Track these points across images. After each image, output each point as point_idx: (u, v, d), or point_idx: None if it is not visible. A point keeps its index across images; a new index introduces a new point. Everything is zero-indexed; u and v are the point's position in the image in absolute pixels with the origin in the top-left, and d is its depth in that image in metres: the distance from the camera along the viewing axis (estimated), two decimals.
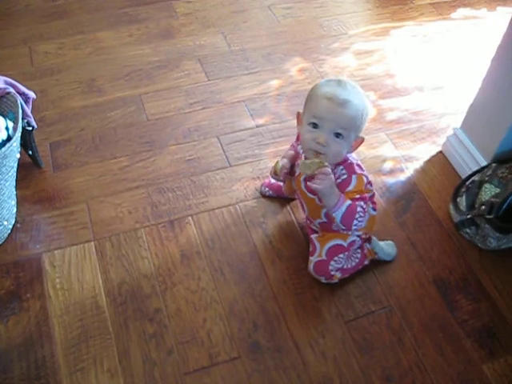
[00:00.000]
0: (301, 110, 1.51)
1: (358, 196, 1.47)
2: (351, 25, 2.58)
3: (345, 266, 1.59)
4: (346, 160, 1.48)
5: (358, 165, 1.50)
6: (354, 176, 1.47)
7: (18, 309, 1.54)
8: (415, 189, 1.88)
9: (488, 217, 1.63)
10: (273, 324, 1.54)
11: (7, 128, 1.58)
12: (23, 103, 1.68)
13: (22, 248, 1.67)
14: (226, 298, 1.59)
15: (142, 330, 1.51)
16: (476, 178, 1.75)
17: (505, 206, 1.61)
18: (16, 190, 1.70)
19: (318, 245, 1.59)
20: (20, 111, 1.62)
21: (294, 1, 2.70)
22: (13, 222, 1.71)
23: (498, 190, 1.65)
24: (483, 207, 1.65)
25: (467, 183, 1.77)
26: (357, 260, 1.61)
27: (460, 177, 1.90)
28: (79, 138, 2.00)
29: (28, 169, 1.86)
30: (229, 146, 1.99)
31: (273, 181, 1.81)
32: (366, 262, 1.64)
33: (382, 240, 1.68)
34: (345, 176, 1.47)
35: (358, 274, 1.63)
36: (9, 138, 1.57)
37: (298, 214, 1.79)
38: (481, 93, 1.81)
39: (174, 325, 1.53)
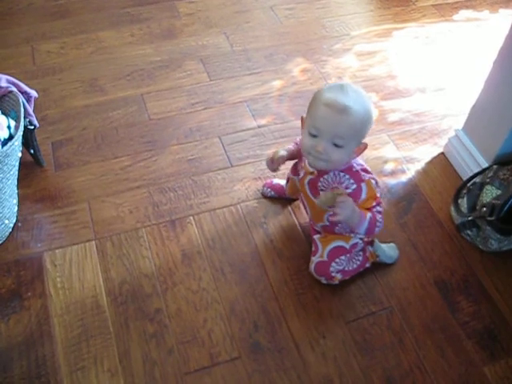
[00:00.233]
0: (304, 114, 1.50)
1: (374, 203, 1.46)
2: (353, 26, 2.58)
3: (346, 268, 1.58)
4: (350, 168, 1.46)
5: (364, 169, 1.48)
6: (362, 184, 1.45)
7: (19, 307, 1.54)
8: (416, 190, 1.88)
9: (489, 219, 1.63)
10: (273, 324, 1.54)
11: (9, 127, 1.58)
12: (25, 102, 1.68)
13: (23, 247, 1.67)
14: (226, 298, 1.59)
15: (142, 330, 1.51)
16: (477, 179, 1.75)
17: (506, 208, 1.61)
18: (17, 188, 1.71)
19: (320, 245, 1.59)
20: (22, 110, 1.62)
21: (297, 1, 2.70)
22: (14, 220, 1.71)
23: (499, 192, 1.65)
24: (484, 209, 1.64)
25: (468, 185, 1.77)
26: (358, 262, 1.61)
27: (461, 178, 1.90)
28: (81, 138, 2.00)
29: (30, 168, 1.86)
30: (230, 146, 1.99)
31: (275, 181, 1.82)
32: (368, 265, 1.64)
33: (384, 242, 1.67)
34: (354, 186, 1.45)
35: (358, 274, 1.63)
36: (11, 137, 1.57)
37: (299, 214, 1.79)
38: (483, 94, 1.81)
39: (175, 325, 1.53)
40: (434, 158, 2.00)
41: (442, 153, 2.01)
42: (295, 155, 1.61)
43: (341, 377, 1.45)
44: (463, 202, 1.75)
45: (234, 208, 1.80)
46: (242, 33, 2.49)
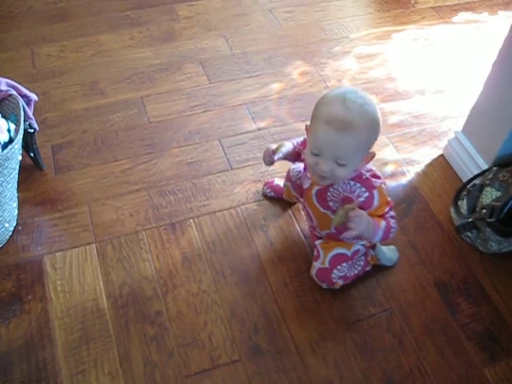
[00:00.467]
0: (304, 118, 1.48)
1: (386, 209, 1.44)
2: (353, 28, 2.58)
3: (348, 274, 1.58)
4: (360, 175, 1.42)
5: (373, 175, 1.45)
6: (374, 191, 1.42)
7: (19, 311, 1.54)
8: (416, 192, 1.88)
9: (489, 220, 1.63)
10: (274, 327, 1.54)
11: (9, 130, 1.58)
12: (25, 105, 1.68)
13: (23, 250, 1.67)
14: (227, 300, 1.59)
15: (142, 333, 1.51)
16: (477, 181, 1.76)
17: (506, 210, 1.62)
18: (17, 192, 1.71)
19: (321, 252, 1.57)
20: (22, 113, 1.62)
21: (296, 4, 2.70)
22: (14, 224, 1.71)
23: (499, 194, 1.66)
24: (484, 211, 1.65)
25: (468, 187, 1.77)
26: (359, 268, 1.61)
27: (461, 180, 1.90)
28: (81, 141, 2.00)
29: (30, 171, 1.87)
30: (230, 149, 2.00)
31: (276, 182, 1.82)
32: (368, 268, 1.63)
33: (384, 244, 1.67)
34: (366, 194, 1.42)
35: (358, 274, 1.62)
36: (11, 140, 1.57)
37: (299, 217, 1.79)
38: (482, 96, 1.81)
39: (175, 327, 1.53)
40: (434, 160, 2.00)
41: (442, 155, 2.02)
42: (291, 157, 1.59)
43: (341, 379, 1.45)
44: (463, 204, 1.75)
45: (234, 211, 1.80)
46: (242, 36, 2.50)
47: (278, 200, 1.82)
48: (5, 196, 1.59)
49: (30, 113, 1.72)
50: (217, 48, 2.43)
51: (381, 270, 1.67)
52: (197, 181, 1.89)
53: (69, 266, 1.64)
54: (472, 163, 1.87)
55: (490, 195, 1.67)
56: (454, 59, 2.45)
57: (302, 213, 1.75)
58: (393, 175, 1.94)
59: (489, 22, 2.67)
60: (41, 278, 1.61)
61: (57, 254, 1.67)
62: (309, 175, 1.50)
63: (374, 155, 1.40)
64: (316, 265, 1.58)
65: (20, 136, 1.59)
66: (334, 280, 1.56)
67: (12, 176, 1.60)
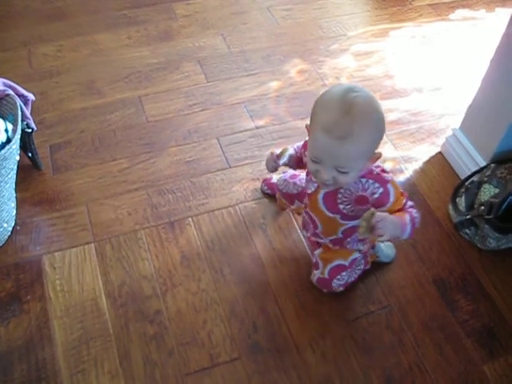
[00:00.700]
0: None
1: (404, 200, 1.37)
2: (350, 26, 2.58)
3: (348, 280, 1.58)
4: (371, 171, 1.36)
5: (383, 170, 1.39)
6: (389, 185, 1.35)
7: (19, 311, 1.54)
8: (414, 189, 1.88)
9: (487, 217, 1.63)
10: (273, 325, 1.54)
11: (7, 130, 1.58)
12: (23, 105, 1.68)
13: (22, 250, 1.67)
14: (226, 299, 1.59)
15: (142, 332, 1.52)
16: (475, 178, 1.76)
17: (504, 207, 1.62)
18: (16, 192, 1.71)
19: (321, 263, 1.56)
20: (19, 113, 1.62)
21: (294, 2, 2.70)
22: (13, 224, 1.71)
23: (497, 191, 1.66)
24: (482, 207, 1.65)
25: (466, 184, 1.77)
26: (359, 272, 1.60)
27: (459, 177, 1.91)
28: (79, 140, 2.00)
29: (28, 171, 1.86)
30: (228, 148, 2.00)
31: (274, 179, 1.81)
32: (368, 267, 1.63)
33: (381, 241, 1.67)
34: (381, 190, 1.34)
35: (358, 276, 1.62)
36: (8, 141, 1.57)
37: (297, 215, 1.79)
38: (480, 93, 1.81)
39: (175, 326, 1.53)
40: (432, 157, 2.01)
41: (440, 152, 2.02)
42: (293, 163, 1.55)
43: (341, 377, 1.46)
44: (461, 201, 1.76)
45: (233, 209, 1.80)
46: (239, 34, 2.49)
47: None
48: (3, 196, 1.59)
49: (28, 113, 1.72)
50: (214, 46, 2.43)
51: (379, 267, 1.67)
52: (195, 179, 1.89)
53: (68, 266, 1.64)
54: (470, 160, 1.87)
55: (488, 192, 1.68)
56: (451, 56, 2.45)
57: (302, 222, 1.66)
58: (391, 172, 1.93)
59: (486, 19, 2.67)
60: (40, 278, 1.61)
61: (56, 253, 1.67)
62: (314, 179, 1.40)
63: (379, 156, 1.33)
64: (316, 273, 1.58)
65: (18, 136, 1.59)
66: (335, 288, 1.56)
67: (10, 176, 1.60)
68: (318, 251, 1.59)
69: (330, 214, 1.44)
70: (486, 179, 1.71)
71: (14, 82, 1.71)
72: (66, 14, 2.56)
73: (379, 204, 1.35)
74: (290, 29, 2.55)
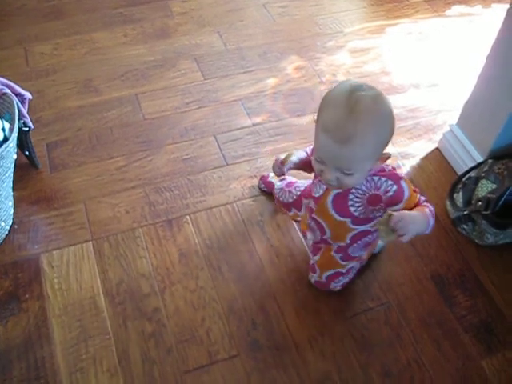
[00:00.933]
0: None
1: (418, 196, 1.33)
2: (346, 23, 2.58)
3: (345, 281, 1.58)
4: (382, 169, 1.32)
5: (393, 168, 1.35)
6: (402, 182, 1.30)
7: (17, 310, 1.54)
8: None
9: (485, 213, 1.63)
10: (272, 322, 1.54)
11: (3, 129, 1.58)
12: (19, 104, 1.68)
13: (19, 249, 1.67)
14: (224, 296, 1.59)
15: (140, 330, 1.52)
16: (472, 174, 1.76)
17: (501, 202, 1.62)
18: (13, 191, 1.70)
19: (318, 270, 1.55)
20: (16, 112, 1.62)
21: None
22: (10, 223, 1.71)
23: (494, 186, 1.66)
24: (480, 203, 1.65)
25: (464, 179, 1.78)
26: (355, 271, 1.60)
27: (456, 173, 1.91)
28: (76, 139, 2.00)
29: (25, 170, 1.86)
30: (226, 145, 2.00)
31: (271, 177, 1.81)
32: (364, 262, 1.63)
33: None
34: (394, 187, 1.29)
35: (356, 274, 1.62)
36: (5, 139, 1.57)
37: None
38: (476, 89, 1.81)
39: (173, 324, 1.53)
40: (429, 153, 2.01)
41: (437, 148, 2.02)
42: (303, 166, 1.49)
43: (339, 373, 1.46)
44: (459, 197, 1.76)
45: (231, 206, 1.80)
46: (236, 31, 2.49)
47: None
48: (0, 195, 1.59)
49: (25, 111, 1.72)
50: (211, 44, 2.42)
51: (377, 263, 1.67)
52: (193, 177, 1.89)
53: (66, 264, 1.64)
54: (467, 156, 1.87)
55: (485, 188, 1.68)
56: (448, 52, 2.45)
57: (301, 227, 1.65)
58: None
59: (482, 14, 2.67)
60: (38, 277, 1.61)
61: (53, 252, 1.67)
62: (321, 180, 1.37)
63: (388, 156, 1.27)
64: (314, 276, 1.58)
65: (15, 135, 1.59)
66: (332, 288, 1.57)
67: (7, 175, 1.60)
68: (316, 257, 1.57)
69: (340, 218, 1.41)
70: (483, 175, 1.71)
71: (10, 81, 1.70)
72: (63, 12, 2.55)
73: (393, 202, 1.31)
74: (287, 26, 2.54)
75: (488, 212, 1.62)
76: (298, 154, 1.47)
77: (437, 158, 1.99)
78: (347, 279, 1.58)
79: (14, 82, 1.72)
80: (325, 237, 1.49)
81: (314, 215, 1.47)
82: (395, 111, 1.23)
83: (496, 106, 1.72)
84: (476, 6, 2.71)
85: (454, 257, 1.71)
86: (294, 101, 2.17)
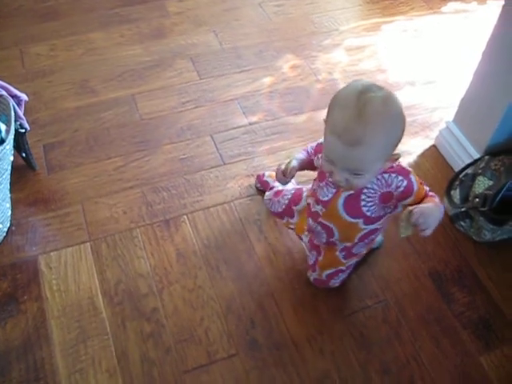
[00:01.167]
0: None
1: (425, 187, 1.34)
2: (342, 21, 2.58)
3: (345, 276, 1.59)
4: (391, 166, 1.30)
5: (400, 163, 1.34)
6: (411, 176, 1.31)
7: (16, 311, 1.54)
8: None
9: (482, 209, 1.63)
10: (270, 321, 1.55)
11: (0, 131, 1.58)
12: (16, 106, 1.68)
13: (18, 250, 1.67)
14: (223, 295, 1.59)
15: (139, 330, 1.52)
16: (469, 170, 1.76)
17: (498, 198, 1.62)
18: (10, 192, 1.70)
19: (318, 269, 1.56)
20: (12, 114, 1.61)
21: None
22: (8, 224, 1.71)
23: (491, 183, 1.66)
24: (477, 200, 1.65)
25: (461, 176, 1.78)
26: (353, 264, 1.60)
27: (453, 170, 1.91)
28: (73, 140, 2.00)
29: (22, 171, 1.86)
30: (222, 144, 2.00)
31: (266, 176, 1.81)
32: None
33: None
34: (405, 182, 1.30)
35: (353, 269, 1.63)
36: (2, 141, 1.57)
37: None
38: (472, 86, 1.81)
39: (172, 324, 1.53)
40: (426, 150, 2.01)
41: (434, 145, 2.02)
42: (306, 166, 1.47)
43: (338, 371, 1.46)
44: (456, 194, 1.76)
45: (228, 206, 1.81)
46: (232, 30, 2.49)
47: None
48: None
49: (21, 113, 1.72)
50: (207, 43, 2.42)
51: (374, 260, 1.68)
52: (190, 177, 1.89)
53: (64, 265, 1.64)
54: (464, 153, 1.87)
55: (482, 184, 1.68)
56: (443, 49, 2.45)
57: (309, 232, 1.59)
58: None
59: (478, 11, 2.67)
60: (36, 278, 1.61)
61: (51, 253, 1.67)
62: (330, 183, 1.36)
63: (398, 157, 1.28)
64: (313, 274, 1.58)
65: (11, 136, 1.58)
66: (331, 285, 1.58)
67: (4, 177, 1.60)
68: (315, 257, 1.57)
69: (352, 220, 1.39)
70: (480, 171, 1.71)
71: (6, 83, 1.70)
72: (59, 13, 2.55)
73: (404, 197, 1.32)
74: (283, 24, 2.54)
75: (485, 208, 1.63)
76: (297, 157, 1.45)
77: (433, 155, 1.99)
78: (346, 275, 1.59)
79: (9, 83, 1.71)
80: (332, 239, 1.48)
81: (320, 219, 1.44)
82: None
83: (492, 102, 1.72)
84: (471, 3, 2.72)
85: (452, 253, 1.71)
86: (290, 99, 2.17)
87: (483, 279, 1.66)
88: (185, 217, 1.77)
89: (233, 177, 1.89)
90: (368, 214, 1.37)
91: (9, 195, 1.69)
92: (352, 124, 1.13)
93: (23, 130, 1.72)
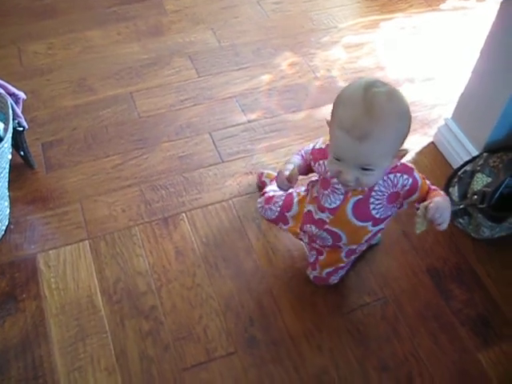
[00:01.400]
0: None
1: (427, 181, 1.33)
2: (340, 18, 2.58)
3: (344, 273, 1.59)
4: (395, 165, 1.29)
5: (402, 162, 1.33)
6: (415, 173, 1.31)
7: (14, 309, 1.54)
8: None
9: (481, 206, 1.63)
10: (269, 318, 1.55)
11: None
12: (13, 104, 1.68)
13: (16, 249, 1.67)
14: (221, 293, 1.59)
15: (138, 328, 1.52)
16: (468, 167, 1.76)
17: (497, 195, 1.62)
18: (9, 191, 1.70)
19: (319, 267, 1.56)
20: (10, 112, 1.61)
21: None
22: (6, 223, 1.71)
23: (489, 180, 1.66)
24: (475, 197, 1.65)
25: (459, 173, 1.78)
26: (353, 259, 1.61)
27: (452, 167, 1.91)
28: (71, 138, 1.99)
29: (20, 170, 1.86)
30: (221, 142, 2.00)
31: (264, 175, 1.81)
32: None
33: None
34: (410, 181, 1.30)
35: (351, 266, 1.63)
36: (0, 140, 1.57)
37: None
38: (470, 83, 1.81)
39: (170, 321, 1.53)
40: (424, 147, 2.01)
41: (432, 142, 2.02)
42: (302, 171, 1.42)
43: (337, 368, 1.46)
44: (454, 191, 1.76)
45: (226, 203, 1.81)
46: (230, 28, 2.49)
47: None
48: None
49: (19, 111, 1.72)
50: (205, 41, 2.42)
51: (373, 257, 1.68)
52: (188, 175, 1.89)
53: (62, 264, 1.64)
54: (462, 150, 1.87)
55: (480, 181, 1.68)
56: (442, 46, 2.45)
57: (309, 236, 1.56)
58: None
59: (476, 8, 2.67)
60: (35, 276, 1.61)
61: (50, 251, 1.67)
62: (338, 187, 1.34)
63: (406, 153, 1.27)
64: (313, 272, 1.58)
65: (9, 135, 1.59)
66: (330, 282, 1.58)
67: (2, 175, 1.60)
68: (315, 256, 1.56)
69: (361, 224, 1.38)
70: (478, 168, 1.71)
71: (4, 81, 1.70)
72: (57, 11, 2.54)
73: (410, 194, 1.32)
74: (281, 22, 2.54)
75: (484, 205, 1.63)
76: (295, 163, 1.40)
77: (432, 152, 1.99)
78: (344, 271, 1.59)
79: (7, 81, 1.71)
80: (340, 243, 1.46)
81: (327, 226, 1.42)
82: None
83: (491, 99, 1.72)
84: (470, 0, 2.71)
85: (450, 250, 1.71)
86: (288, 97, 2.17)
87: (482, 276, 1.66)
88: (183, 215, 1.77)
89: (231, 175, 1.89)
90: (377, 216, 1.36)
91: (7, 193, 1.69)
92: (360, 118, 1.13)
93: (21, 129, 1.72)
